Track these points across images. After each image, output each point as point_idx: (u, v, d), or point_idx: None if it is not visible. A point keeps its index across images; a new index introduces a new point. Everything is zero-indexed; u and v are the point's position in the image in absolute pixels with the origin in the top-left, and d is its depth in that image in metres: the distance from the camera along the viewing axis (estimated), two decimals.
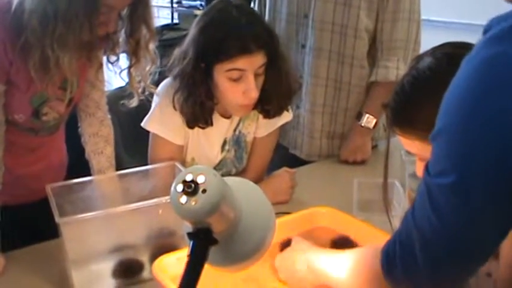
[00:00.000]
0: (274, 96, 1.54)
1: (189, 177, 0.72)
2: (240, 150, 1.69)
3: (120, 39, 1.38)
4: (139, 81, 1.44)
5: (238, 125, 1.65)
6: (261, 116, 1.64)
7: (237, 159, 1.70)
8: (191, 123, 1.53)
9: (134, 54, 1.39)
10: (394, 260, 0.81)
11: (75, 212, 1.20)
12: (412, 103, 1.01)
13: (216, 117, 1.57)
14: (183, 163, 1.59)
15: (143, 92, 1.47)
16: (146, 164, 1.52)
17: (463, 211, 0.71)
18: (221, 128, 1.62)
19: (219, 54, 1.42)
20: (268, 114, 1.60)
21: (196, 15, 4.97)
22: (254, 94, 1.45)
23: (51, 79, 1.26)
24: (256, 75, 1.45)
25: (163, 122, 1.55)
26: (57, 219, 1.15)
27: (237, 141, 1.67)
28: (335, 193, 1.63)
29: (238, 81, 1.43)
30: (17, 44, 1.22)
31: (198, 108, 1.49)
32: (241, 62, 1.41)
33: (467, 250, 0.74)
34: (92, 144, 1.54)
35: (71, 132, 1.57)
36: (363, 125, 1.91)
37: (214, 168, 1.65)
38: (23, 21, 1.20)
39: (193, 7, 4.97)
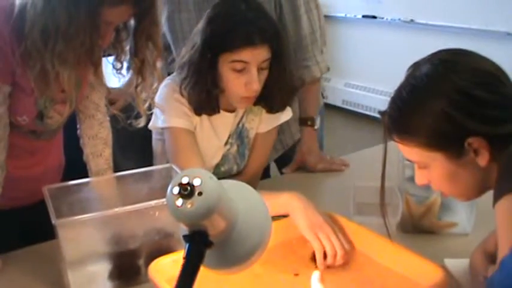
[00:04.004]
0: (277, 92, 1.57)
1: (185, 180, 0.72)
2: (242, 146, 1.70)
3: (126, 48, 1.38)
4: (146, 99, 1.43)
5: (241, 118, 1.67)
6: (264, 112, 1.67)
7: (239, 155, 1.71)
8: (199, 111, 1.56)
9: (140, 73, 1.38)
10: None
11: (72, 213, 1.20)
12: (410, 110, 1.01)
13: (220, 112, 1.60)
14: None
15: (149, 108, 1.46)
16: (141, 166, 1.52)
17: None
18: (226, 123, 1.64)
19: (224, 45, 1.46)
20: (272, 109, 1.64)
21: None
22: (256, 87, 1.48)
23: (50, 91, 1.28)
24: (260, 70, 1.48)
25: (177, 114, 1.56)
26: (53, 220, 1.15)
27: (240, 135, 1.68)
28: (332, 197, 1.63)
29: (242, 72, 1.47)
30: (19, 50, 1.22)
31: (205, 96, 1.52)
32: (245, 54, 1.44)
33: None
34: (91, 147, 1.54)
35: (68, 135, 1.57)
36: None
37: (217, 164, 1.67)
38: (24, 29, 1.20)
39: None
